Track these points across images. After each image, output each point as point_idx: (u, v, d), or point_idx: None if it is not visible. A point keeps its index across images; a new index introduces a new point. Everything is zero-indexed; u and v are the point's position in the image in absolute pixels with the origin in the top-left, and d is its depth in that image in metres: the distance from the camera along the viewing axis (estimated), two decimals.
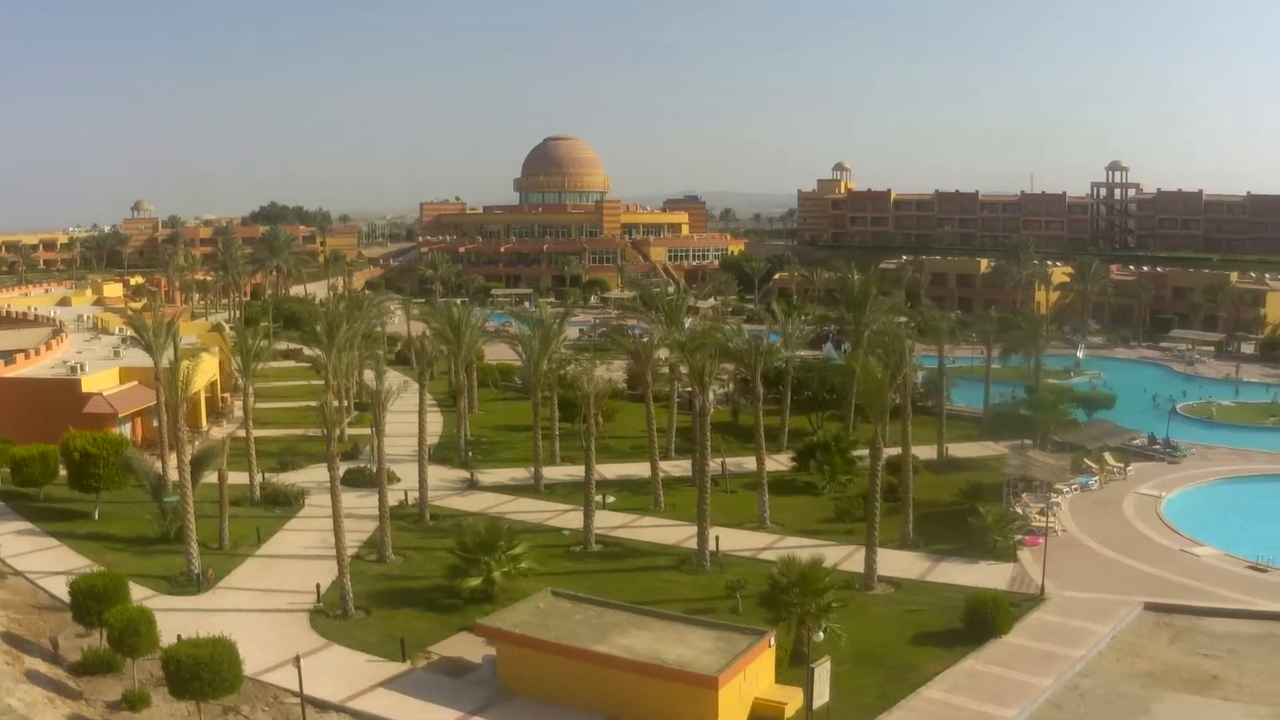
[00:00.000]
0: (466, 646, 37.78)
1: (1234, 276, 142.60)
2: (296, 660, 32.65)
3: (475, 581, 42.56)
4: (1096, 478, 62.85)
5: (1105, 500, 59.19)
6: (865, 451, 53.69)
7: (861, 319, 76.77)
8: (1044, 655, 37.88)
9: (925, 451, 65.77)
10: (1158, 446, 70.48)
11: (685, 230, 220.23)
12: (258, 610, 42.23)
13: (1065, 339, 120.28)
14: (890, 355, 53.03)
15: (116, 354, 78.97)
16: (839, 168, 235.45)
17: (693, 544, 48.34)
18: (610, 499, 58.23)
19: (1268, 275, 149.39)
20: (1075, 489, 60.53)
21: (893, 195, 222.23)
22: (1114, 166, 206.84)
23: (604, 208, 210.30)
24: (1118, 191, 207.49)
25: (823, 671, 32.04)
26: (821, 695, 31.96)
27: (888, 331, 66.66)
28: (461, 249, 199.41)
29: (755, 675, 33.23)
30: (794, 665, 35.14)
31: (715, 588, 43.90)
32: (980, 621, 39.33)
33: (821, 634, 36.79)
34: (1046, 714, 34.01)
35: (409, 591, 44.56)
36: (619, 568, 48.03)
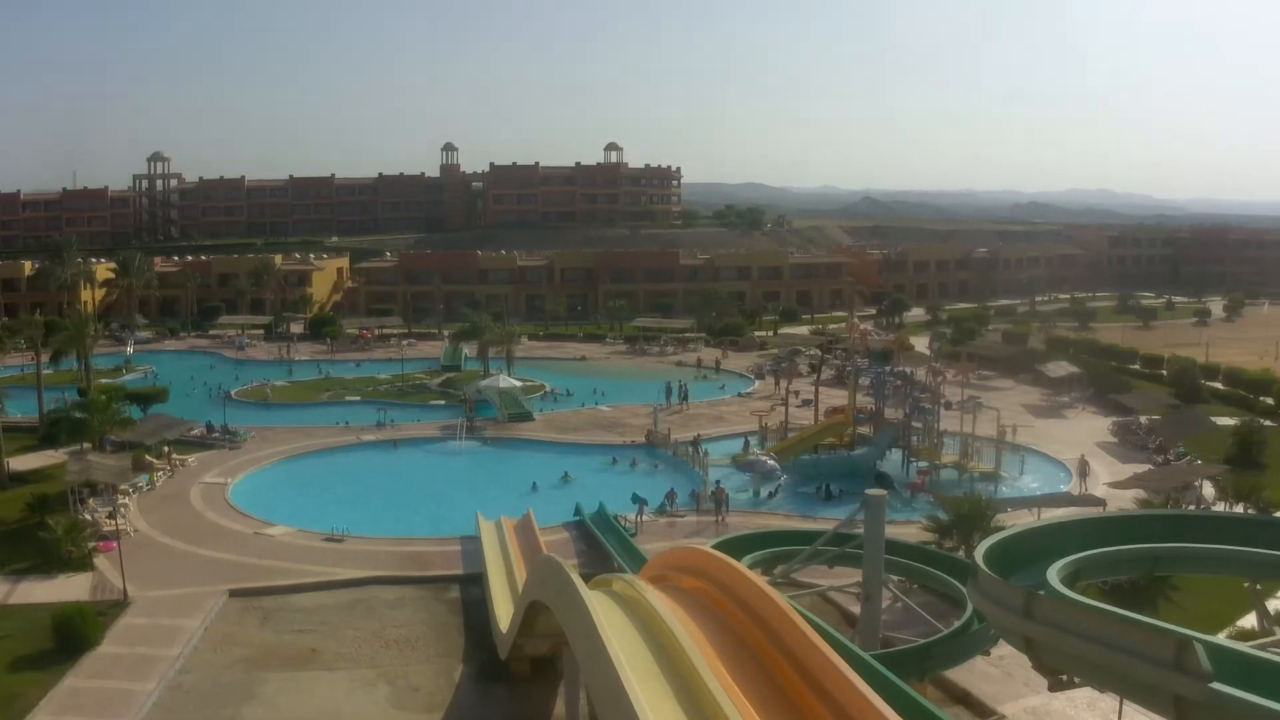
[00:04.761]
0: None
1: (279, 259, 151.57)
2: None
3: None
4: (160, 473, 63.31)
5: (173, 495, 59.67)
6: None
7: None
8: (141, 659, 37.60)
9: None
10: (217, 434, 72.58)
11: None
12: None
13: (114, 336, 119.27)
14: None
15: None
16: None
17: None
18: None
19: (311, 255, 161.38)
20: (140, 488, 60.29)
21: None
22: (156, 158, 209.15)
23: None
24: (160, 183, 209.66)
25: None
26: None
27: None
28: None
29: None
30: None
31: None
32: (70, 637, 38.09)
33: None
34: (156, 717, 33.90)
35: None
36: None
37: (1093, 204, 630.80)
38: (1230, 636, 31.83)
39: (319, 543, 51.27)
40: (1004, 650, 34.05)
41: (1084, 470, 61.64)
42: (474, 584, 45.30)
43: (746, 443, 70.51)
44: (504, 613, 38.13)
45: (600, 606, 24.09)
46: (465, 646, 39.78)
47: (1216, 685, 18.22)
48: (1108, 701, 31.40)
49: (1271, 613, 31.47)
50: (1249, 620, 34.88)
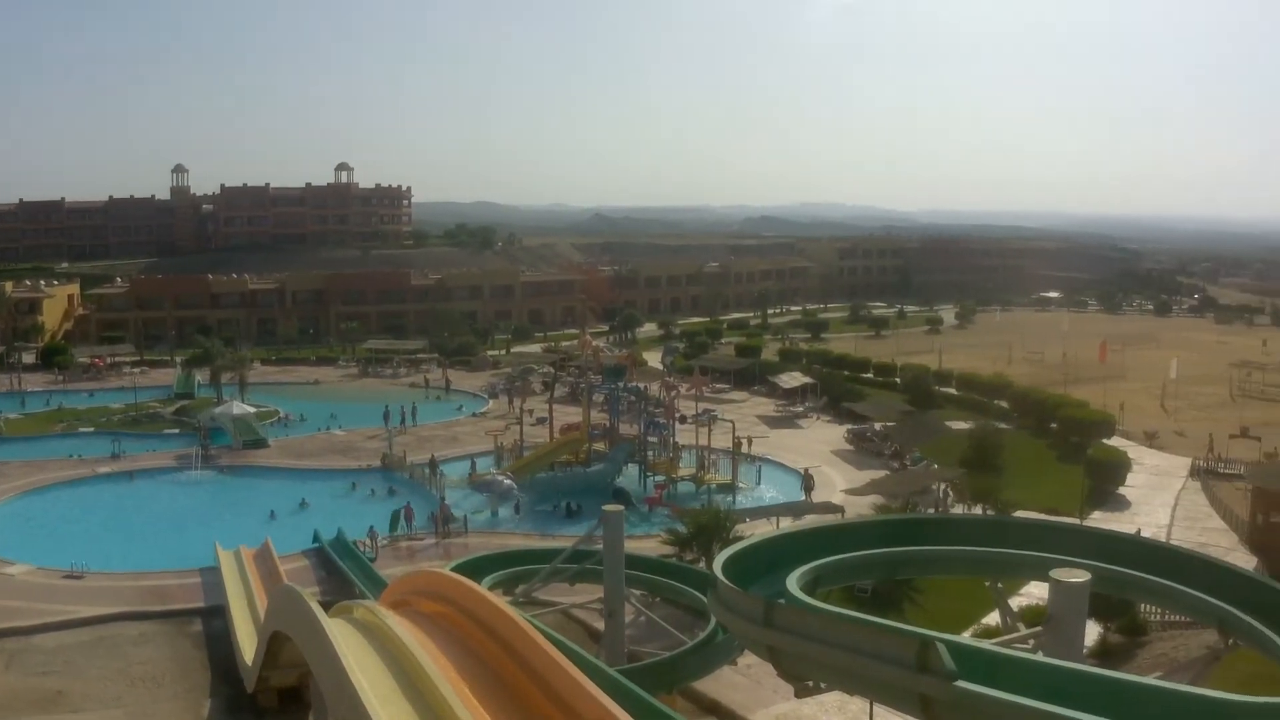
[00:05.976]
0: None
1: (9, 286, 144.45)
2: None
3: None
4: None
5: None
6: None
7: None
8: None
9: None
10: None
11: None
12: None
13: None
14: None
15: None
16: None
17: None
18: None
19: (43, 282, 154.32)
20: None
21: None
22: None
23: None
24: None
25: None
26: None
27: None
28: None
29: None
30: None
31: None
32: None
33: None
34: None
35: None
36: None
37: (823, 217, 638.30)
38: (975, 635, 33.72)
39: (59, 580, 49.76)
40: (751, 659, 33.84)
41: (809, 485, 62.90)
42: (217, 616, 44.64)
43: (473, 464, 71.14)
44: (248, 644, 37.62)
45: (342, 635, 23.93)
46: (212, 681, 39.33)
47: (961, 683, 18.15)
48: (857, 704, 31.69)
49: (1015, 610, 32.38)
50: (993, 618, 36.53)
